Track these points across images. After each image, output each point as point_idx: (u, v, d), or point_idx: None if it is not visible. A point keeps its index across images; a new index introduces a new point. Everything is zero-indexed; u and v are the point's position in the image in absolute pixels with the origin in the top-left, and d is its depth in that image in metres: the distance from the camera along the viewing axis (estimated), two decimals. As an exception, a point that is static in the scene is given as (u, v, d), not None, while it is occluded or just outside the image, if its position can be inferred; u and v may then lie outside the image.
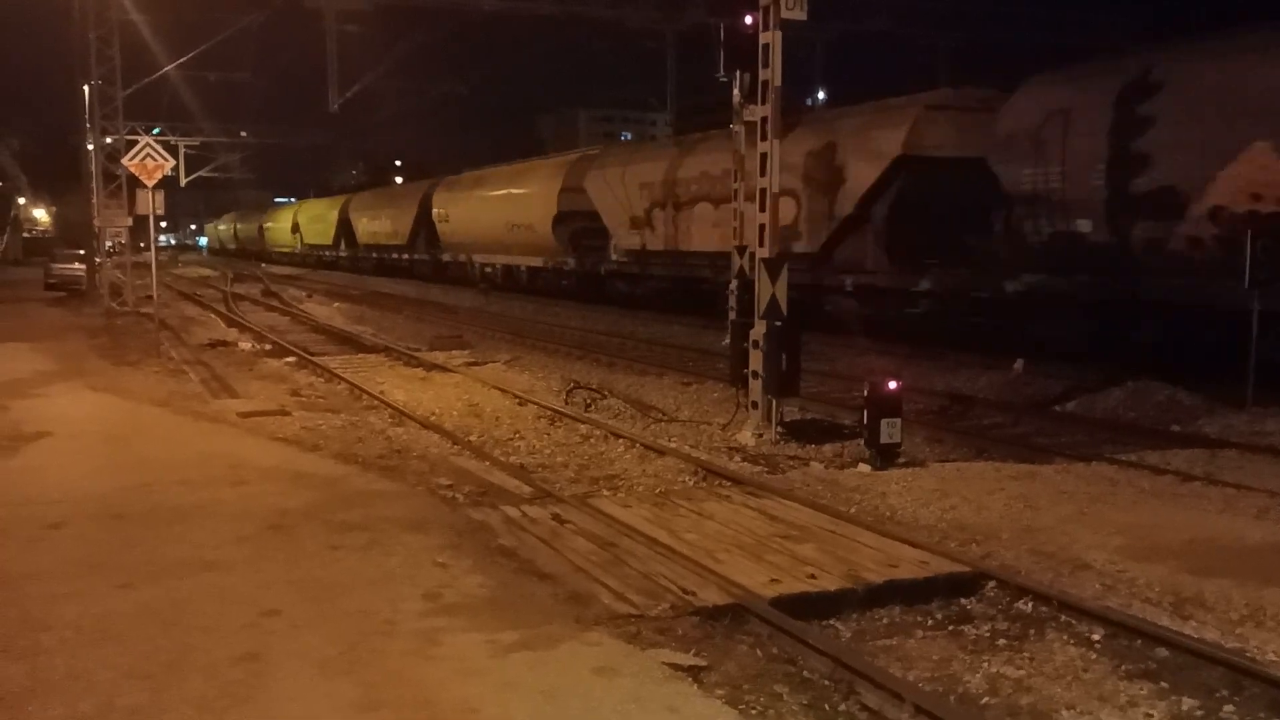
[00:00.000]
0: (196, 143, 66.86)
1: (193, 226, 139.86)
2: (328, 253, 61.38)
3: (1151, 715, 4.80)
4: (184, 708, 4.42)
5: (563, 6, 33.19)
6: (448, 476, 9.04)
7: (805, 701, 4.78)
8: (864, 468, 9.53)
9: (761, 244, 11.11)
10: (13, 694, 4.54)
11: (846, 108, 22.06)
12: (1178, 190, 13.48)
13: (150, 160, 17.65)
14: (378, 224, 51.32)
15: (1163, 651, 5.35)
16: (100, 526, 7.15)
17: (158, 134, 48.44)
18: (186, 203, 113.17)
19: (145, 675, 4.72)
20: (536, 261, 33.76)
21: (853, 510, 7.99)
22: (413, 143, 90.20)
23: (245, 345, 20.26)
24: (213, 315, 27.77)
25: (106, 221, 28.17)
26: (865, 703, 4.76)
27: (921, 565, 6.43)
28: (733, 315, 15.29)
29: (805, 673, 5.05)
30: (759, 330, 10.97)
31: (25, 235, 66.56)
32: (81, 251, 34.27)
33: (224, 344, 20.17)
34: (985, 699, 4.99)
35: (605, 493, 8.68)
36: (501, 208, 35.09)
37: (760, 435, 10.88)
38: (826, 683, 4.95)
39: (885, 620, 5.94)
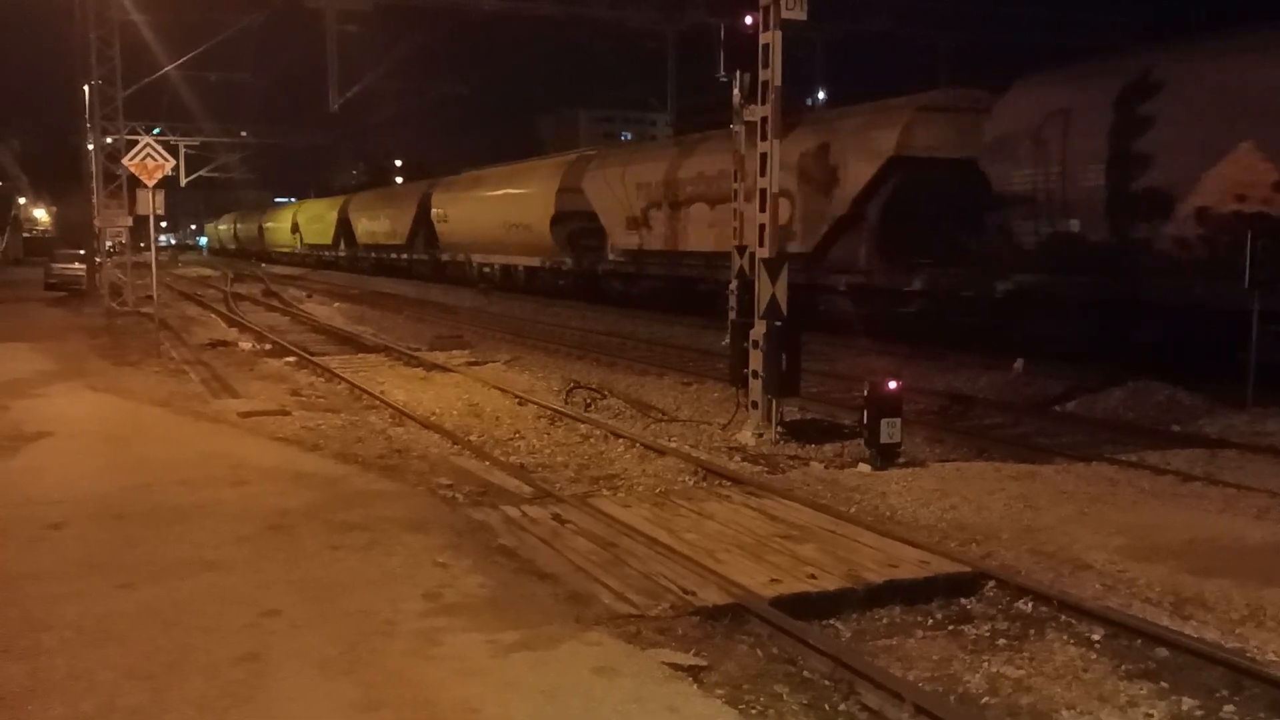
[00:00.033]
0: (197, 143, 66.85)
1: (193, 226, 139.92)
2: (327, 253, 61.44)
3: (1152, 715, 4.80)
4: (185, 708, 4.42)
5: (563, 7, 33.17)
6: (448, 476, 9.04)
7: (805, 701, 4.79)
8: (864, 468, 9.53)
9: (761, 244, 11.11)
10: (14, 694, 4.54)
11: (840, 109, 22.23)
12: (1166, 191, 13.59)
13: (150, 160, 17.65)
14: (377, 224, 51.40)
15: (1163, 651, 5.35)
16: (101, 527, 7.16)
17: (158, 134, 48.43)
18: (187, 203, 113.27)
19: (146, 675, 4.72)
20: (534, 261, 33.88)
21: (853, 510, 7.99)
22: (413, 143, 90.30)
23: (246, 345, 20.26)
24: (213, 315, 27.77)
25: (107, 221, 28.18)
26: (865, 703, 4.76)
27: (922, 565, 6.43)
28: (733, 315, 15.31)
29: (805, 673, 5.06)
30: (759, 330, 10.97)
31: (25, 235, 66.58)
32: (82, 251, 34.29)
33: (224, 344, 20.18)
34: (985, 699, 5.00)
35: (605, 492, 8.68)
36: (500, 208, 35.19)
37: (760, 435, 10.88)
38: (826, 683, 4.95)
39: (885, 620, 5.94)
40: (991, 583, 6.28)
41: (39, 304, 29.36)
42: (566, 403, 13.21)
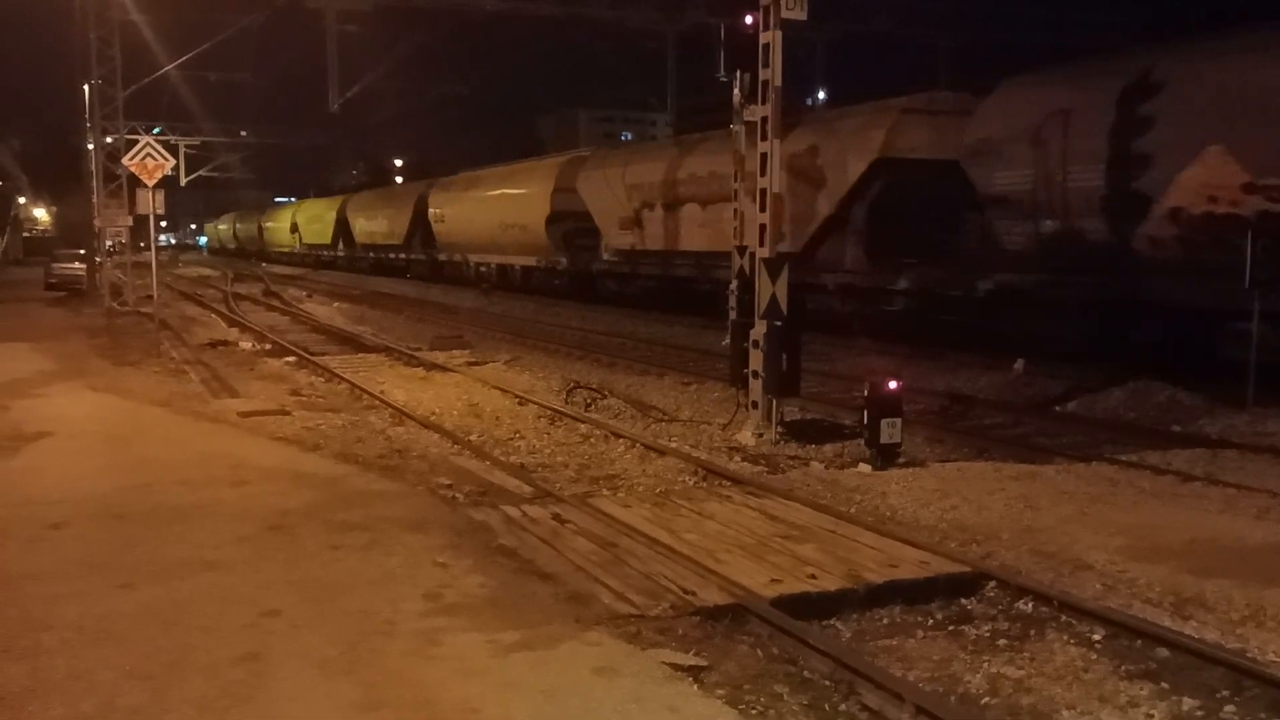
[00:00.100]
0: (197, 142, 66.87)
1: (193, 226, 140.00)
2: (326, 252, 61.52)
3: (1152, 715, 4.80)
4: (185, 708, 4.42)
5: (563, 7, 33.19)
6: (448, 476, 9.04)
7: (806, 702, 4.78)
8: (864, 468, 9.53)
9: (762, 244, 11.11)
10: (14, 694, 4.54)
11: (828, 110, 22.43)
12: (1142, 192, 13.76)
13: (150, 160, 17.66)
14: (375, 224, 51.48)
15: (1163, 652, 5.35)
16: (101, 526, 7.15)
17: (158, 134, 48.41)
18: (187, 202, 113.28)
19: (146, 675, 4.72)
20: (530, 261, 34.08)
21: (853, 510, 7.99)
22: (413, 143, 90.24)
23: (246, 345, 20.25)
24: (213, 315, 27.77)
25: (107, 221, 28.20)
26: (866, 703, 4.76)
27: (922, 565, 6.43)
28: (733, 315, 15.29)
29: (806, 673, 5.05)
30: (759, 330, 10.97)
31: (25, 235, 66.65)
32: (82, 251, 34.29)
33: (224, 344, 20.17)
34: (986, 699, 4.99)
35: (605, 492, 8.68)
36: (496, 208, 35.35)
37: (760, 435, 10.88)
38: (827, 683, 4.95)
39: (886, 620, 5.94)
40: (992, 583, 6.28)
41: (39, 304, 29.36)
42: (567, 403, 13.21)
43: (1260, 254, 11.80)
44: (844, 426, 11.49)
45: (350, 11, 32.41)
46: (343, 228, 56.71)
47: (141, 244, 34.97)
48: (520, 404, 12.97)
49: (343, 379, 15.05)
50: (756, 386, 11.04)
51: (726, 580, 6.06)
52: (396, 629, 5.29)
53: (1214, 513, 8.03)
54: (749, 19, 11.06)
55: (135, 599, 5.71)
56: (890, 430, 9.52)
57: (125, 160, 19.45)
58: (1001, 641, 5.63)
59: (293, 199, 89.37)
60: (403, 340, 20.98)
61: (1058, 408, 13.27)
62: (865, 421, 9.64)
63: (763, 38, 10.81)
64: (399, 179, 73.55)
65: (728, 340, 14.02)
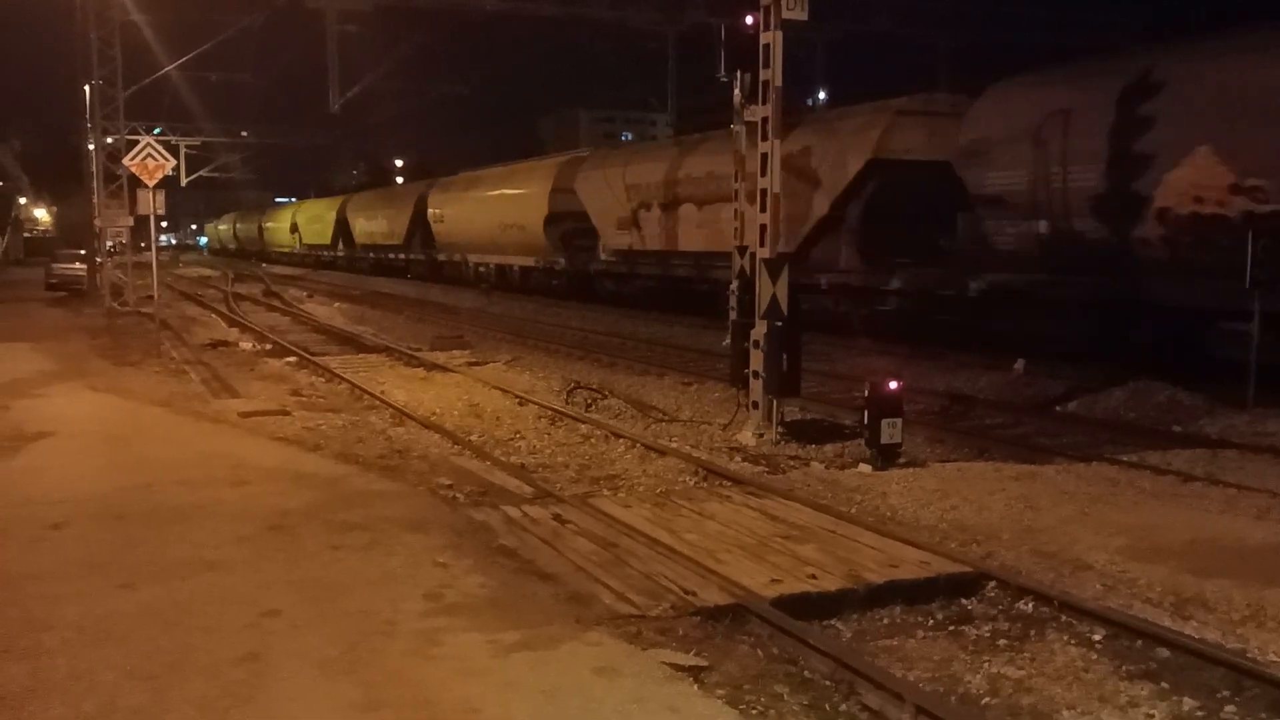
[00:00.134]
0: (197, 143, 66.91)
1: (193, 226, 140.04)
2: (326, 253, 61.55)
3: (1152, 716, 4.80)
4: (186, 708, 4.42)
5: (563, 7, 33.19)
6: (448, 476, 9.04)
7: (806, 702, 4.78)
8: (865, 468, 9.53)
9: (762, 244, 11.11)
10: (15, 694, 4.54)
11: (825, 111, 22.51)
12: (1132, 193, 13.84)
13: (151, 160, 17.66)
14: (374, 224, 51.52)
15: (1164, 652, 5.35)
16: (101, 527, 7.16)
17: (159, 134, 48.47)
18: (187, 203, 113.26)
19: (147, 675, 4.72)
20: (529, 261, 34.21)
21: (853, 510, 7.99)
22: (413, 143, 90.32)
23: (246, 345, 20.26)
24: (214, 315, 27.77)
25: (107, 221, 28.19)
26: (866, 703, 4.76)
27: (922, 565, 6.43)
28: (733, 315, 15.29)
29: (806, 673, 5.06)
30: (760, 330, 10.97)
31: (26, 235, 66.65)
32: (82, 251, 34.30)
33: (225, 344, 20.17)
34: (986, 699, 4.99)
35: (606, 493, 8.68)
36: (495, 208, 35.44)
37: (761, 435, 10.88)
38: (827, 683, 4.95)
39: (886, 620, 5.94)
40: (992, 583, 6.28)
41: (40, 304, 29.37)
42: (567, 403, 13.21)
43: (1260, 254, 11.80)
44: (844, 426, 11.49)
45: (350, 11, 32.42)
46: (343, 228, 56.72)
47: (142, 244, 34.92)
48: (521, 404, 12.97)
49: (343, 379, 15.05)
50: (757, 386, 11.04)
51: (727, 580, 6.07)
52: (397, 629, 5.29)
53: (1214, 513, 8.03)
54: (749, 19, 11.07)
55: (136, 599, 5.72)
56: (891, 430, 9.52)
57: (126, 160, 19.45)
58: (1002, 642, 5.63)
59: (293, 199, 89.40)
60: (403, 340, 20.98)
61: (1058, 408, 13.27)
62: (866, 421, 9.64)
63: (763, 38, 10.81)
64: (399, 179, 73.59)
65: (728, 340, 14.02)
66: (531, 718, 4.38)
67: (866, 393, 9.69)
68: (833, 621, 5.86)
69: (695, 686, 4.74)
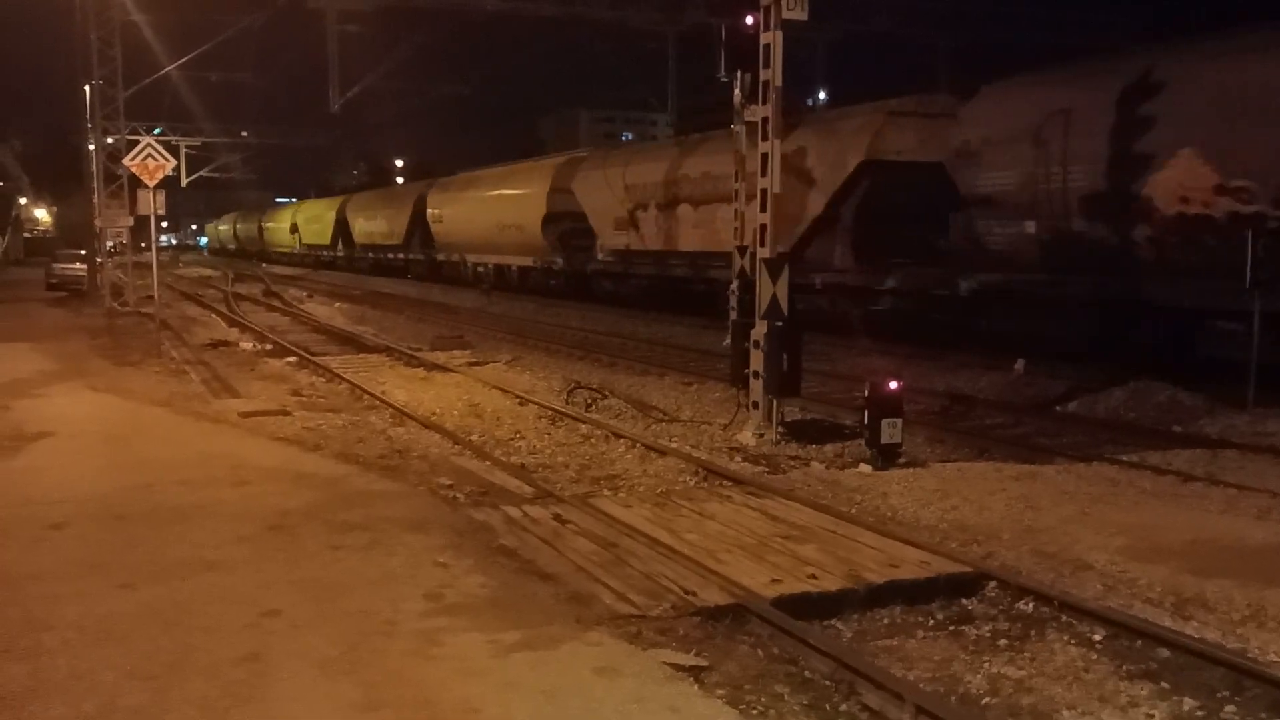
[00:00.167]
0: (198, 143, 66.97)
1: (193, 226, 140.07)
2: (325, 253, 61.59)
3: (1153, 716, 4.80)
4: (186, 708, 4.42)
5: (563, 7, 33.20)
6: (449, 476, 9.04)
7: (806, 702, 4.78)
8: (865, 468, 9.53)
9: (762, 244, 11.11)
10: (15, 694, 4.54)
11: (818, 113, 22.66)
12: (1117, 194, 13.90)
13: (151, 160, 17.66)
14: (374, 224, 51.57)
15: (1164, 652, 5.35)
16: (102, 527, 7.16)
17: (159, 134, 48.43)
18: (187, 203, 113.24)
19: (147, 675, 4.72)
20: (527, 261, 34.32)
21: (854, 510, 7.99)
22: (413, 143, 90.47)
23: (246, 345, 20.26)
24: (214, 315, 27.78)
25: (108, 221, 28.19)
26: (866, 703, 4.76)
27: (923, 565, 6.43)
28: (733, 315, 15.31)
29: (806, 673, 5.06)
30: (760, 330, 10.97)
31: (26, 235, 66.68)
32: (83, 251, 34.31)
33: (225, 344, 20.18)
34: (986, 699, 4.99)
35: (606, 493, 8.68)
36: (493, 208, 35.54)
37: (761, 435, 10.88)
38: (828, 683, 4.95)
39: (886, 620, 5.94)
40: (992, 583, 6.28)
41: (40, 304, 29.38)
42: (567, 403, 13.21)
43: (1260, 254, 11.80)
44: (844, 426, 11.49)
45: (350, 11, 32.45)
46: (342, 228, 56.76)
47: (142, 244, 34.92)
48: (521, 404, 12.98)
49: (343, 379, 15.05)
50: (757, 386, 11.04)
51: (727, 580, 6.07)
52: (397, 629, 5.29)
53: (1215, 513, 8.03)
54: (750, 19, 11.07)
55: (136, 599, 5.72)
56: (891, 430, 9.52)
57: (126, 161, 19.46)
58: (1002, 642, 5.63)
59: (293, 199, 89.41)
60: (403, 340, 20.98)
61: (1058, 408, 13.27)
62: (866, 422, 9.64)
63: (763, 38, 10.81)
64: (399, 179, 73.63)
65: (728, 340, 14.04)
66: (532, 718, 4.39)
67: (866, 393, 9.69)
68: (833, 621, 5.86)
69: (696, 686, 4.74)
